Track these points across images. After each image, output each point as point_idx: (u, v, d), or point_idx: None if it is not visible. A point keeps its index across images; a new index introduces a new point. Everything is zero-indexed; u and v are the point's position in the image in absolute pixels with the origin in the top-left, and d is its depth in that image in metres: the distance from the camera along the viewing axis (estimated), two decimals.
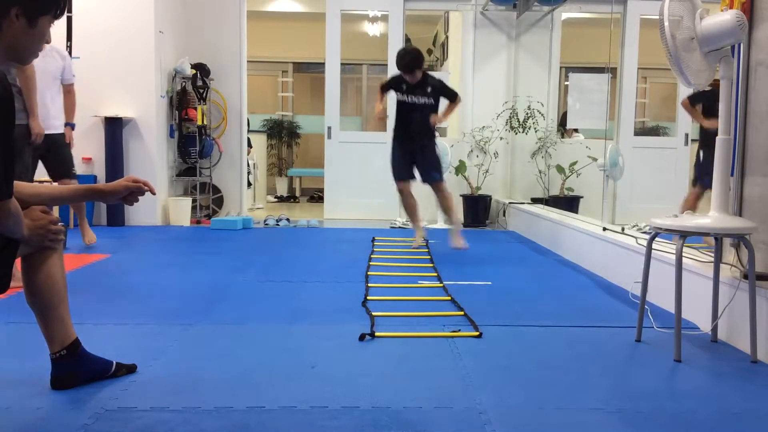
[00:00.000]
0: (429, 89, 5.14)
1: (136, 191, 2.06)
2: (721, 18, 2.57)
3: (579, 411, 2.04)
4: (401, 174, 5.24)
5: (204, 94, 7.00)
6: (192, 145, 7.02)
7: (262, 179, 9.90)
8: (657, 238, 2.80)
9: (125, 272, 4.00)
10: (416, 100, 5.12)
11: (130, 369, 2.26)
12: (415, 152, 5.20)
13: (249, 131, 8.38)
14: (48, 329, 2.06)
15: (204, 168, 7.18)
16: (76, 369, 2.09)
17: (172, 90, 6.93)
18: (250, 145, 9.14)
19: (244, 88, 7.46)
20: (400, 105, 5.21)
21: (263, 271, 4.25)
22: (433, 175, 5.20)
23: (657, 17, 2.74)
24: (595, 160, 6.67)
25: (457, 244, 5.09)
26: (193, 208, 7.01)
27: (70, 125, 4.87)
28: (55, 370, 2.08)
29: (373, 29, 9.87)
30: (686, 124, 7.53)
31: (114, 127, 6.37)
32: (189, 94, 6.99)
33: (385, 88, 5.28)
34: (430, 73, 5.31)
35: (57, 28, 3.66)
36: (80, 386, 2.10)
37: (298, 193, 10.81)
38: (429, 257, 4.79)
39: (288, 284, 3.84)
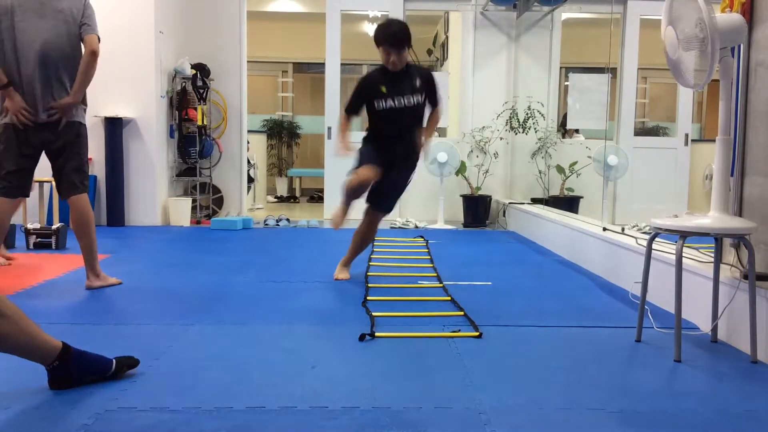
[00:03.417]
0: (417, 82, 3.77)
1: None
2: (730, 18, 2.57)
3: (579, 411, 2.04)
4: (372, 160, 3.74)
5: (204, 95, 7.00)
6: (192, 146, 7.02)
7: (262, 179, 9.90)
8: (657, 238, 2.80)
9: (125, 272, 4.00)
10: (404, 101, 3.73)
11: (132, 364, 2.25)
12: (392, 161, 3.84)
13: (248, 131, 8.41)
14: (33, 357, 2.06)
15: (204, 168, 7.18)
16: (71, 369, 2.09)
17: (172, 90, 6.93)
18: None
19: (244, 88, 7.46)
20: (380, 115, 3.75)
21: (263, 271, 4.25)
22: (391, 203, 4.06)
23: (657, 17, 2.74)
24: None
25: (340, 275, 4.02)
26: (193, 208, 7.01)
27: None
28: (51, 375, 2.09)
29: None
30: (686, 124, 7.55)
31: (114, 127, 6.37)
32: (189, 94, 6.99)
33: (354, 104, 3.81)
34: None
35: None
36: (79, 386, 2.10)
37: (298, 194, 10.81)
38: (429, 257, 4.79)
39: (288, 284, 3.84)
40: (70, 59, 3.55)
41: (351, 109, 3.84)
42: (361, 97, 3.80)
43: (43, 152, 3.62)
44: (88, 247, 3.61)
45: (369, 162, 3.72)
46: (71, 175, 3.58)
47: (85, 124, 3.66)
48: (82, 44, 3.58)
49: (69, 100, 3.53)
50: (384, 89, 3.72)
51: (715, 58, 2.48)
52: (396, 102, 3.74)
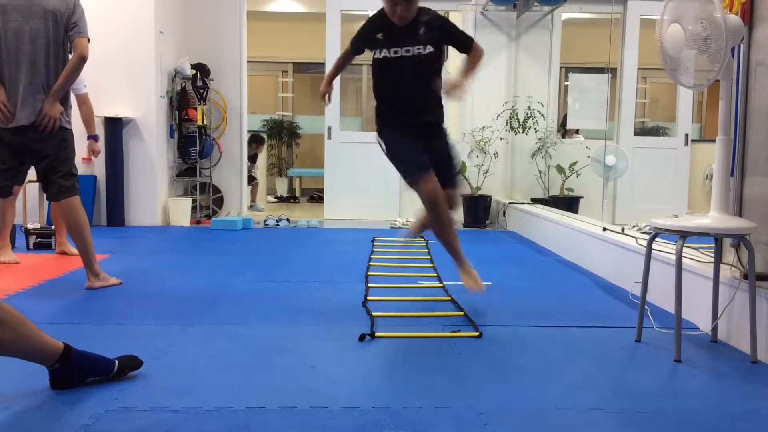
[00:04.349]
0: (422, 31, 3.17)
1: None
2: (732, 18, 2.57)
3: (579, 411, 2.04)
4: (419, 164, 3.15)
5: (204, 95, 7.00)
6: (192, 146, 7.02)
7: (262, 179, 9.90)
8: (657, 238, 2.80)
9: (125, 272, 4.00)
10: (407, 50, 3.17)
11: (135, 366, 2.25)
12: (422, 134, 3.24)
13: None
14: (32, 359, 2.06)
15: (204, 168, 7.18)
16: (72, 371, 2.10)
17: (172, 90, 6.93)
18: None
19: (244, 88, 7.46)
20: (382, 66, 3.26)
21: (263, 271, 4.25)
22: (452, 172, 3.31)
23: (658, 17, 2.73)
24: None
25: (471, 283, 3.29)
26: (193, 208, 7.01)
27: (93, 137, 4.96)
28: (51, 376, 2.09)
29: None
30: (686, 124, 7.55)
31: (114, 127, 6.37)
32: (189, 95, 6.99)
33: (358, 41, 3.41)
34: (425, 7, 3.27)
35: None
36: (79, 386, 2.10)
37: (298, 194, 10.81)
38: (429, 257, 4.79)
39: (288, 284, 3.84)
40: (56, 62, 3.50)
41: (356, 44, 3.41)
42: (363, 35, 3.36)
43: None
44: (84, 248, 3.61)
45: (417, 170, 3.12)
46: (62, 180, 3.55)
47: (70, 129, 3.61)
48: (70, 46, 3.53)
49: (50, 100, 3.46)
50: (381, 36, 3.22)
51: (726, 57, 2.48)
52: (393, 51, 3.18)
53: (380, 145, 3.30)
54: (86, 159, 6.39)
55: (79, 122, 6.21)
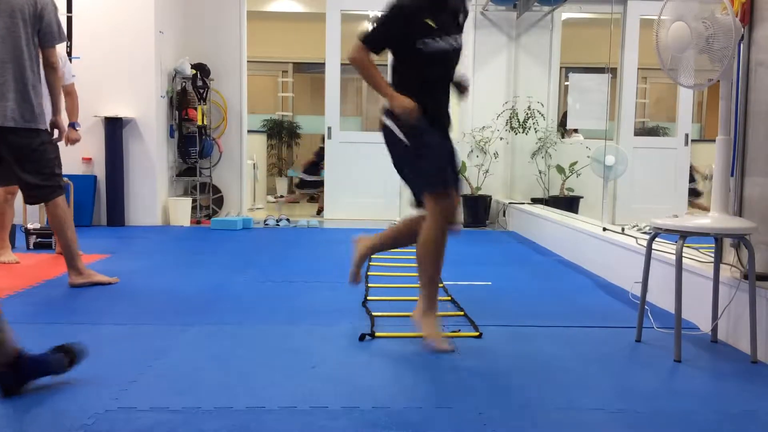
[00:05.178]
0: (462, 18, 2.75)
1: None
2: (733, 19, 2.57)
3: (579, 411, 2.04)
4: (448, 177, 2.71)
5: (204, 95, 7.00)
6: (192, 145, 7.02)
7: (262, 179, 9.90)
8: (657, 238, 2.80)
9: (125, 272, 4.00)
10: (456, 40, 2.68)
11: (77, 352, 2.19)
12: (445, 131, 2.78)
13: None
14: None
15: (204, 168, 7.18)
16: (19, 376, 2.06)
17: (172, 90, 6.93)
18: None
19: (244, 88, 7.46)
20: (430, 61, 2.63)
21: (263, 271, 4.25)
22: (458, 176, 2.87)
23: (657, 17, 2.73)
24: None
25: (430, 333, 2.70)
26: (193, 208, 7.01)
27: (72, 125, 4.60)
28: None
29: None
30: (686, 124, 7.54)
31: (114, 127, 6.37)
32: (189, 94, 6.99)
33: (386, 38, 2.64)
34: None
35: None
36: (25, 391, 2.07)
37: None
38: None
39: (288, 284, 3.84)
40: (30, 61, 3.46)
41: (380, 45, 2.61)
42: (401, 30, 2.57)
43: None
44: (67, 245, 3.61)
45: (446, 182, 2.65)
46: (48, 181, 3.54)
47: (45, 129, 3.57)
48: (38, 49, 3.52)
49: (61, 120, 3.56)
50: (432, 22, 2.57)
51: (732, 55, 2.48)
52: (448, 43, 2.62)
53: (398, 135, 2.66)
54: (86, 159, 6.41)
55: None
